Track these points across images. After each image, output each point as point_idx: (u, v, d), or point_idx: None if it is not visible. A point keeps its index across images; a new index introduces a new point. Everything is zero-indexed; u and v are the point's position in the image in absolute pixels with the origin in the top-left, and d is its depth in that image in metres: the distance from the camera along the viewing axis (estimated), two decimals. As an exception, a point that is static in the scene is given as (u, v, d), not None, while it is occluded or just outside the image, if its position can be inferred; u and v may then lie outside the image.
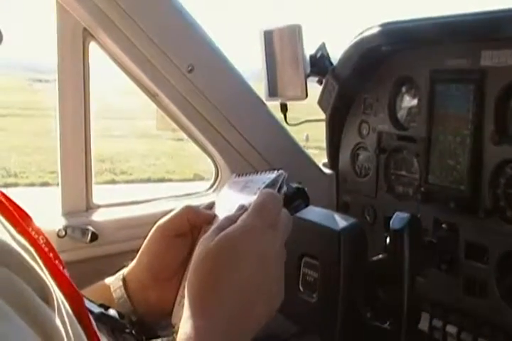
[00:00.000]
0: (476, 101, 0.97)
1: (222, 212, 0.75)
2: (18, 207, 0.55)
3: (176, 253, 0.75)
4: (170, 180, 6.72)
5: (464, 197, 1.00)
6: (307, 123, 1.33)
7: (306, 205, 0.87)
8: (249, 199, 0.70)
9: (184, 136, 1.19)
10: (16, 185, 5.53)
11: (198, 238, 0.76)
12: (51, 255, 0.50)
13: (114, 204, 1.13)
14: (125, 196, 1.25)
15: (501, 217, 0.95)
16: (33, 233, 0.50)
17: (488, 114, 0.97)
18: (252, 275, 0.58)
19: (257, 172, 0.77)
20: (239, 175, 0.81)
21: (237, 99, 1.16)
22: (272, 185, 0.71)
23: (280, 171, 0.73)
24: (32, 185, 5.91)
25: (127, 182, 6.34)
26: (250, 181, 0.76)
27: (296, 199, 0.88)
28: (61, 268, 0.51)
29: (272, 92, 1.22)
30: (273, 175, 0.73)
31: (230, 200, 0.76)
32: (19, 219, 0.48)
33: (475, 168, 0.98)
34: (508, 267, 0.94)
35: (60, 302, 0.44)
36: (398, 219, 0.90)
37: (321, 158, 1.36)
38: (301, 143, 1.41)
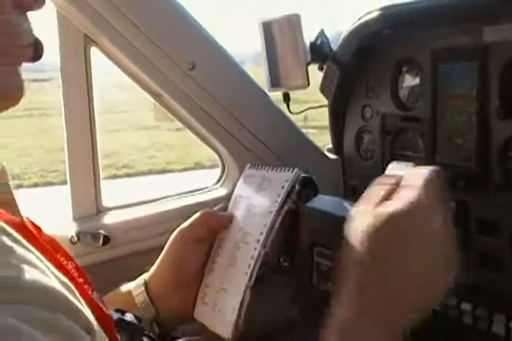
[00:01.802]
0: (480, 78, 0.97)
1: (240, 215, 0.76)
2: (40, 230, 0.55)
3: (196, 259, 0.77)
4: (171, 171, 6.73)
5: (473, 175, 1.00)
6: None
7: (315, 194, 0.88)
8: (270, 204, 0.71)
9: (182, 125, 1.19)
10: (20, 186, 5.55)
11: (215, 242, 0.77)
12: (81, 280, 0.51)
13: (123, 205, 1.13)
14: (126, 192, 1.26)
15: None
16: (62, 259, 0.50)
17: (493, 90, 0.96)
18: (421, 258, 0.53)
19: (272, 169, 0.78)
20: (253, 167, 0.82)
21: (240, 93, 1.16)
22: (291, 189, 0.72)
23: (295, 171, 0.74)
24: (36, 185, 5.92)
25: (129, 175, 6.36)
26: (267, 180, 0.76)
27: (304, 188, 0.88)
28: (90, 292, 0.52)
29: (274, 83, 1.22)
30: (290, 175, 0.74)
31: (248, 200, 0.77)
32: (52, 251, 0.48)
33: (483, 144, 0.98)
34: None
35: (99, 332, 0.45)
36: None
37: (319, 138, 1.36)
38: (300, 123, 1.41)
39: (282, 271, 0.80)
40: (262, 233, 0.73)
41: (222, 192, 1.21)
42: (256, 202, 0.76)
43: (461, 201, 1.03)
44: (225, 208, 0.82)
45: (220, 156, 1.22)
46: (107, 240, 1.07)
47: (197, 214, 0.78)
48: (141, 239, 1.10)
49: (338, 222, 0.92)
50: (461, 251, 1.02)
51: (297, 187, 0.74)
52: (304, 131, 1.33)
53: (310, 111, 1.33)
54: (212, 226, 0.78)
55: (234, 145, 1.17)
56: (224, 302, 0.74)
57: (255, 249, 0.73)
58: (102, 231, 1.07)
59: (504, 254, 0.97)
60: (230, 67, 1.14)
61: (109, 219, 1.11)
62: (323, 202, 0.92)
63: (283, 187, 0.74)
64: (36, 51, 0.51)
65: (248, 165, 0.83)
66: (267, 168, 0.80)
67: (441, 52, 1.04)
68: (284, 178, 0.75)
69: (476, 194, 1.00)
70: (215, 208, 0.82)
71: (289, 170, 0.75)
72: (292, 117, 1.29)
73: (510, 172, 0.96)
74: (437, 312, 1.06)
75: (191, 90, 1.09)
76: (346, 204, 0.96)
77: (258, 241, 0.73)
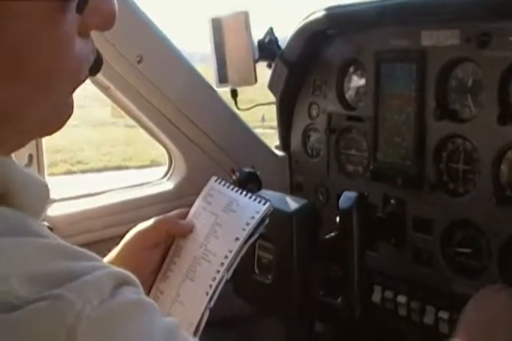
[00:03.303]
0: (418, 80, 1.01)
1: (202, 228, 0.77)
2: None
3: (150, 263, 0.76)
4: (127, 168, 6.64)
5: (410, 173, 1.04)
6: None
7: (259, 189, 0.90)
8: (237, 230, 0.73)
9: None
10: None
11: (171, 248, 0.77)
12: None
13: (68, 197, 1.12)
14: (82, 187, 1.24)
15: (444, 191, 1.00)
16: None
17: (430, 92, 1.00)
18: None
19: (239, 191, 0.78)
20: (219, 181, 0.81)
21: (188, 87, 1.16)
22: (262, 220, 0.73)
23: (267, 204, 0.74)
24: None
25: (84, 171, 6.23)
26: (235, 203, 0.76)
27: (248, 183, 0.90)
28: None
29: (222, 79, 1.23)
30: (261, 208, 0.74)
31: (213, 217, 0.77)
32: None
33: (419, 143, 1.02)
34: (451, 237, 1.00)
35: None
36: (346, 198, 0.93)
37: (275, 138, 1.38)
38: (257, 124, 1.42)
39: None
40: (226, 257, 0.73)
41: (169, 186, 1.21)
42: (222, 223, 0.76)
43: (399, 198, 1.07)
44: (184, 215, 0.81)
45: (167, 151, 1.22)
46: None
47: (155, 219, 0.78)
48: (85, 232, 1.09)
49: (280, 216, 0.95)
50: (397, 248, 1.07)
51: (267, 220, 0.75)
52: (261, 131, 1.34)
53: (267, 112, 1.34)
54: (170, 232, 0.77)
55: (181, 140, 1.17)
56: (180, 315, 0.74)
57: (218, 271, 0.73)
58: (45, 223, 1.05)
59: (436, 250, 1.01)
60: (178, 62, 1.14)
61: (54, 211, 1.10)
62: (266, 196, 0.94)
63: (253, 217, 0.74)
64: (95, 65, 0.45)
65: (214, 178, 0.82)
66: (233, 187, 0.79)
67: (383, 53, 1.07)
68: (254, 208, 0.75)
69: (413, 192, 1.04)
70: (173, 213, 0.81)
71: (260, 201, 0.76)
72: (246, 117, 1.31)
73: (444, 172, 1.01)
74: (376, 305, 1.10)
75: (139, 83, 1.09)
76: (289, 198, 0.99)
77: (222, 264, 0.73)
